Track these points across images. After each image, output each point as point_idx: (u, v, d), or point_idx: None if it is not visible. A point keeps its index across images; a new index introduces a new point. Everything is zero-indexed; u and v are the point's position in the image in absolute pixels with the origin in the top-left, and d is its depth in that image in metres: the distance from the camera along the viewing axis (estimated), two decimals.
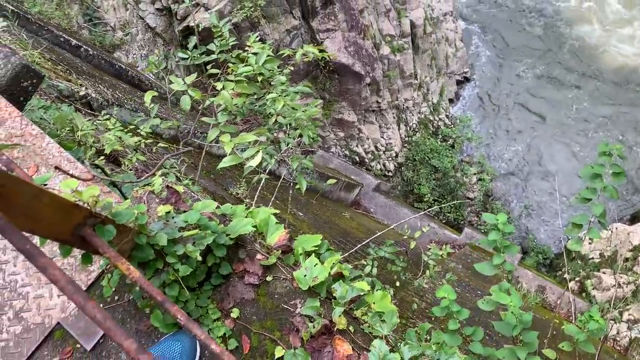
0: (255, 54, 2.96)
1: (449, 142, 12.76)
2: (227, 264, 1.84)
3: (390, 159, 12.33)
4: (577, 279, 11.04)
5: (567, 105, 13.73)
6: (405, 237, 6.04)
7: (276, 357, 1.75)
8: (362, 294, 1.84)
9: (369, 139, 12.16)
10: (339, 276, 1.91)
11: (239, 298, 1.86)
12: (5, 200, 1.07)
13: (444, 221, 11.75)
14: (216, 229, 1.76)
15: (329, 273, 1.85)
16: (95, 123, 3.87)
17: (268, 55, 2.96)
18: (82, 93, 5.08)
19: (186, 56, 2.83)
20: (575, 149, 13.17)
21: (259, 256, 1.91)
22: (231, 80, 2.73)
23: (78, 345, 1.86)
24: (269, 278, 1.88)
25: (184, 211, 1.76)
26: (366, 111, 11.82)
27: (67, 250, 1.39)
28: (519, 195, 13.07)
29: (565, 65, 14.04)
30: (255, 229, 1.93)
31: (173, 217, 1.67)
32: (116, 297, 1.91)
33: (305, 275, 1.83)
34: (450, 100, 13.23)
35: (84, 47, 7.94)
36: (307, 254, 1.95)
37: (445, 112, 12.80)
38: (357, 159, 11.77)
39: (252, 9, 9.56)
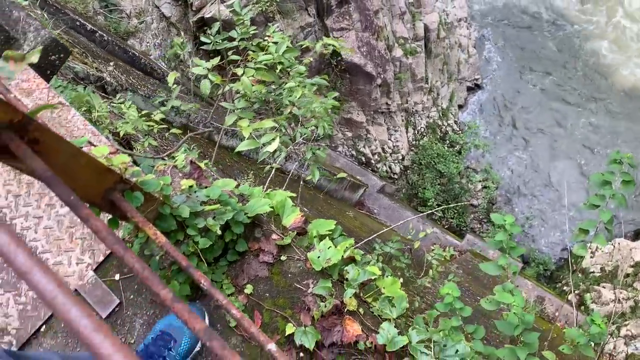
0: (275, 43, 3.00)
1: (456, 148, 12.77)
2: (243, 242, 1.89)
3: (396, 161, 12.36)
4: (576, 292, 11.04)
5: (575, 119, 13.73)
6: (410, 237, 6.07)
7: (287, 333, 1.79)
8: (373, 277, 1.88)
9: (377, 141, 12.19)
10: (351, 260, 1.96)
11: (253, 275, 1.90)
12: (45, 156, 1.11)
13: (446, 226, 11.77)
14: (235, 206, 1.81)
15: (342, 256, 1.89)
16: (110, 105, 3.93)
17: (287, 46, 3.00)
18: (103, 75, 5.14)
19: (208, 41, 2.88)
20: (581, 162, 13.17)
21: (274, 236, 1.96)
22: (252, 68, 2.77)
23: (94, 313, 1.91)
24: (283, 258, 1.93)
25: (206, 187, 1.80)
26: (375, 112, 11.85)
27: (96, 213, 1.43)
28: (522, 205, 13.08)
29: (577, 79, 14.04)
30: (272, 209, 1.97)
31: (195, 192, 1.72)
32: None
33: (319, 257, 1.88)
34: (460, 106, 13.25)
35: (99, 32, 8.00)
36: (321, 237, 1.99)
37: (454, 117, 12.82)
38: (364, 160, 11.80)
39: (267, 4, 9.62)
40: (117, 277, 1.94)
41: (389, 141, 12.33)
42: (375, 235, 4.21)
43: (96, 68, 5.96)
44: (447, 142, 12.86)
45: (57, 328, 1.91)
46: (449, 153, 12.33)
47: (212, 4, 11.15)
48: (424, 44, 11.14)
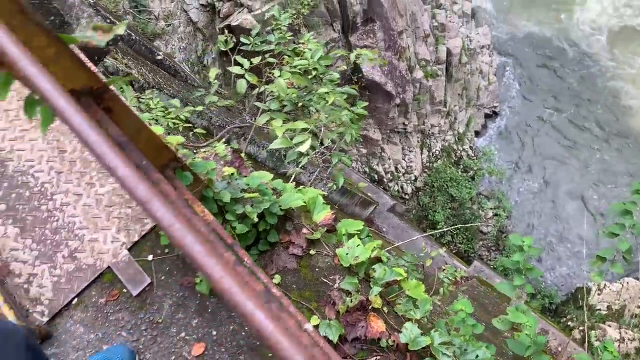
0: (310, 49, 3.09)
1: (469, 174, 12.78)
2: (275, 233, 1.94)
3: (408, 182, 12.39)
4: (581, 328, 10.92)
5: (589, 155, 13.71)
6: (422, 254, 6.08)
7: (312, 324, 1.83)
8: (399, 278, 1.92)
9: (390, 159, 12.25)
10: (377, 260, 2.00)
11: (282, 266, 1.95)
12: (115, 124, 1.18)
13: (454, 251, 11.73)
14: (271, 197, 1.87)
15: (370, 255, 1.94)
16: (139, 101, 4.03)
17: (321, 54, 3.09)
18: (132, 72, 5.26)
19: (248, 42, 2.97)
20: (592, 197, 13.12)
21: (304, 230, 2.01)
22: (288, 71, 2.86)
23: (125, 290, 1.97)
24: (312, 252, 1.98)
25: (245, 176, 1.86)
26: (391, 131, 11.93)
27: None
28: (531, 235, 13.01)
29: (595, 117, 14.05)
30: (304, 205, 2.02)
31: (236, 179, 1.78)
32: (166, 250, 2.01)
33: (347, 254, 1.93)
34: (476, 132, 13.29)
35: (127, 31, 8.19)
36: (349, 236, 2.04)
37: (469, 143, 12.86)
38: (376, 178, 11.85)
39: (294, 16, 9.79)
40: (150, 257, 2.00)
41: (403, 161, 12.37)
42: (389, 247, 4.25)
43: (125, 64, 6.09)
44: (461, 166, 12.88)
45: (87, 302, 1.96)
46: (462, 178, 12.34)
47: (239, 12, 11.36)
48: (445, 68, 11.24)
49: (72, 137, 2.18)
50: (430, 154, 12.55)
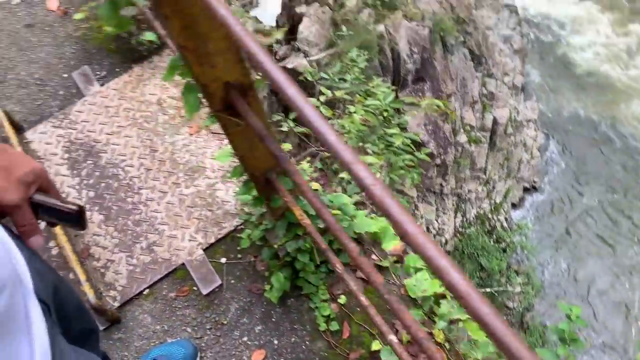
0: (382, 92, 3.24)
1: (501, 245, 12.59)
2: (346, 254, 2.00)
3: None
4: None
5: (627, 244, 13.35)
6: None
7: (372, 349, 1.85)
8: (462, 318, 1.94)
9: (423, 218, 12.20)
10: (442, 297, 2.02)
11: (348, 288, 2.00)
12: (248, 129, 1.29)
13: None
14: (349, 218, 1.94)
15: (436, 291, 1.97)
16: None
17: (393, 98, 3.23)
18: None
19: (327, 77, 3.14)
20: (625, 286, 12.68)
21: (373, 256, 2.06)
22: (362, 108, 2.99)
23: (195, 288, 2.04)
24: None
25: (328, 193, 1.95)
26: (427, 190, 11.95)
27: (249, 186, 1.60)
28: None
29: (638, 206, 13.77)
30: (375, 232, 2.08)
31: (321, 195, 1.87)
32: (239, 256, 2.09)
33: (414, 285, 1.96)
34: (513, 205, 13.18)
35: None
36: (416, 270, 2.08)
37: (505, 214, 12.74)
38: None
39: (348, 66, 10.14)
40: (223, 260, 2.07)
41: (435, 222, 12.31)
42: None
43: None
44: (494, 237, 12.71)
45: (158, 294, 2.03)
46: (494, 249, 12.16)
47: (296, 56, 11.81)
48: (489, 136, 11.34)
49: (164, 139, 2.32)
50: (464, 220, 12.45)
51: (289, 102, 0.72)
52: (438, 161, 11.28)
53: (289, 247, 1.84)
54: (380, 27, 8.84)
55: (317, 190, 1.89)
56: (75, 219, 0.88)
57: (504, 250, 12.59)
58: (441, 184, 11.98)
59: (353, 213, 2.18)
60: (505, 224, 12.78)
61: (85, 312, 1.12)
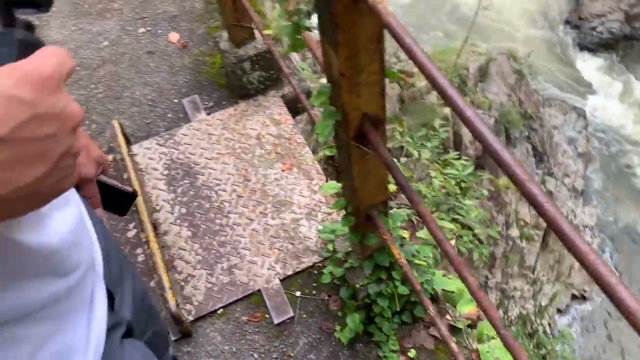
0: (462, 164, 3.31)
1: (542, 351, 11.88)
2: (421, 308, 2.00)
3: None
4: None
5: None
6: None
7: None
8: None
9: None
10: None
11: (419, 343, 1.98)
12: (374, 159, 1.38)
13: None
14: (432, 273, 1.96)
15: None
16: None
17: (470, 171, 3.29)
18: None
19: (411, 140, 3.25)
20: None
21: (447, 316, 2.05)
22: (441, 174, 3.07)
23: (267, 316, 2.07)
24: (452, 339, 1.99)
25: (414, 244, 1.99)
26: None
27: (349, 220, 1.67)
28: None
29: None
30: (452, 292, 2.08)
31: (408, 243, 1.91)
32: (314, 292, 2.12)
33: (488, 352, 1.92)
34: (559, 310, 12.55)
35: None
36: (489, 338, 2.04)
37: (549, 319, 12.12)
38: None
39: (429, 134, 10.32)
40: (297, 293, 2.11)
41: None
42: None
43: None
44: (534, 341, 12.03)
45: (230, 316, 2.08)
46: (534, 353, 11.47)
47: None
48: (542, 236, 11.06)
49: (258, 170, 2.45)
50: (505, 317, 11.91)
51: (478, 138, 0.81)
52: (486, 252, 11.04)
53: (371, 289, 1.86)
54: (446, 110, 9.02)
55: (405, 238, 1.94)
56: (127, 201, 0.96)
57: (544, 358, 11.86)
58: (486, 276, 11.62)
59: (433, 270, 2.19)
60: (548, 330, 12.12)
61: (153, 309, 1.09)
